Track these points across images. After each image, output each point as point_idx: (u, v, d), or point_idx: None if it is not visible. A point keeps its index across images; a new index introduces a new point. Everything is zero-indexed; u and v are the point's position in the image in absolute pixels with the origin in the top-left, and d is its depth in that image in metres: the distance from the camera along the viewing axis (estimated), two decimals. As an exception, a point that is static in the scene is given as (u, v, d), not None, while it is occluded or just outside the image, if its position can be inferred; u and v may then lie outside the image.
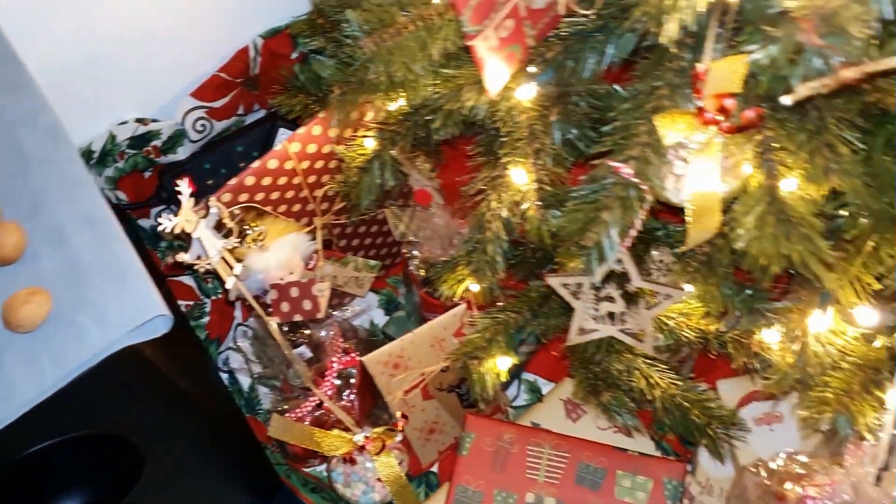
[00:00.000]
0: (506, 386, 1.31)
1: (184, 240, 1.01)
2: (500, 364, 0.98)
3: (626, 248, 0.82)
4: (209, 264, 1.00)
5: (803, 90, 0.57)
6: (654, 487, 1.08)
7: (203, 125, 1.46)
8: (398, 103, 1.01)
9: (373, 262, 1.20)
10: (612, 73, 0.87)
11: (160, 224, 0.95)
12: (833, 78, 0.56)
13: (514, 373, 1.31)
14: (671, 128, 0.75)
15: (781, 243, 0.71)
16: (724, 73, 0.67)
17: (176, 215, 0.95)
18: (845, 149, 0.73)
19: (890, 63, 0.56)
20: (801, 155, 0.73)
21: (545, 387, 1.33)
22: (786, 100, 0.59)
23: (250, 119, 1.52)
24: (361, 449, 1.15)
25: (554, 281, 0.87)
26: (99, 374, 0.84)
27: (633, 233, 0.80)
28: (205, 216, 0.99)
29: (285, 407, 1.20)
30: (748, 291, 0.95)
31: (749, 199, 0.74)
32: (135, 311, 0.83)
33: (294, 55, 1.45)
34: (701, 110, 0.73)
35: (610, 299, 0.87)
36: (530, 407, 1.26)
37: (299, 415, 1.19)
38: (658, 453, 1.19)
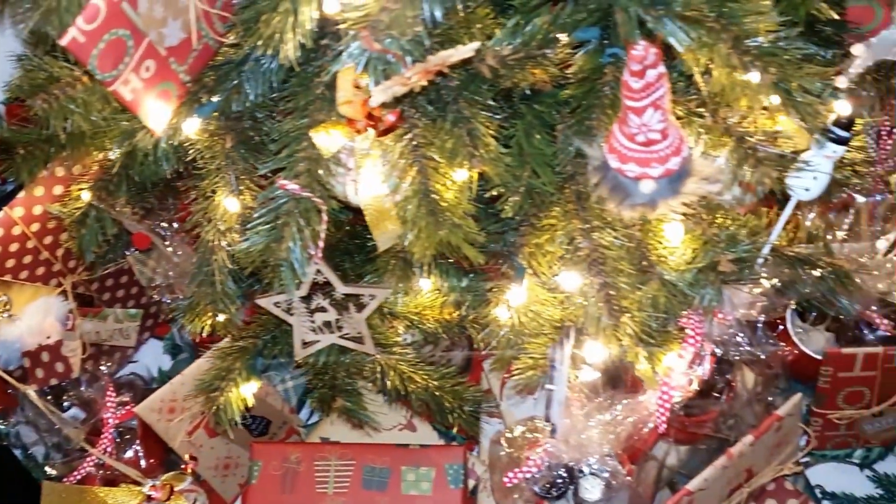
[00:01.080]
0: (298, 408, 1.33)
1: None
2: (245, 391, 0.99)
3: (320, 259, 0.85)
4: (-65, 347, 0.98)
5: (378, 94, 0.61)
6: (436, 475, 1.11)
7: (-44, 200, 1.41)
8: (114, 152, 1.01)
9: (133, 311, 1.19)
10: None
11: None
12: (396, 79, 0.61)
13: (306, 392, 1.32)
14: (327, 139, 0.78)
15: (434, 232, 0.75)
16: (340, 83, 0.71)
17: None
18: (489, 136, 0.78)
19: (447, 56, 0.61)
20: (446, 147, 0.77)
21: (337, 400, 1.35)
22: (371, 102, 0.63)
23: (10, 187, 1.47)
24: (150, 499, 1.14)
25: (264, 302, 0.89)
26: None
27: (321, 244, 0.83)
28: (-80, 299, 0.97)
29: (53, 473, 1.18)
30: (470, 276, 1.00)
31: (407, 195, 0.78)
32: None
33: (41, 116, 1.42)
34: (350, 120, 0.76)
35: (322, 309, 0.90)
36: (318, 423, 1.27)
37: (80, 476, 1.16)
38: (442, 442, 1.23)
